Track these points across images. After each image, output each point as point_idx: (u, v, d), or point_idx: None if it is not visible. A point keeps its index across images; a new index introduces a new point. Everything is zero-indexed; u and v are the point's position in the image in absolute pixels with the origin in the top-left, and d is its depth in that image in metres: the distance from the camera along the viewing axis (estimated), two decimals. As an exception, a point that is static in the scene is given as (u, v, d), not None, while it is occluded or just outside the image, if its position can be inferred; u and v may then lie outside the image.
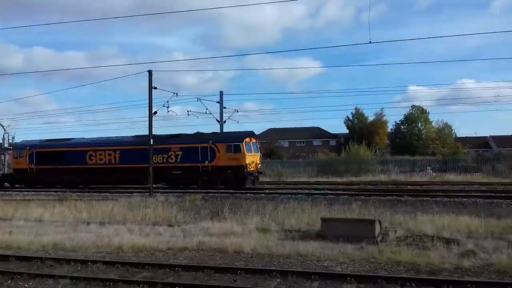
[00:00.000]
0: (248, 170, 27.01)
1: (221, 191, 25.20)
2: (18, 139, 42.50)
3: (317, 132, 79.83)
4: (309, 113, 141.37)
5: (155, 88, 25.53)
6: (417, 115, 66.46)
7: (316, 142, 75.73)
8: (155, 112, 26.08)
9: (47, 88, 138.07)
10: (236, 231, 12.68)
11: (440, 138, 63.42)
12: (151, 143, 25.36)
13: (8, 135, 44.49)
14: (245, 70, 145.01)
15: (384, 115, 66.09)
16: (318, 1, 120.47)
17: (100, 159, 30.70)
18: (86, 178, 30.78)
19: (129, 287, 8.16)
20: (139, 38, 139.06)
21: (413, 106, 67.22)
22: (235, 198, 21.37)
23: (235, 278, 8.53)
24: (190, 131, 41.63)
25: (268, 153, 51.24)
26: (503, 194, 20.80)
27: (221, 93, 36.92)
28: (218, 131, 34.71)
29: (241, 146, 27.03)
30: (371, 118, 67.09)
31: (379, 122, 66.28)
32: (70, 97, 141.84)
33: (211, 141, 27.69)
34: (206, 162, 27.50)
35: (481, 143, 70.33)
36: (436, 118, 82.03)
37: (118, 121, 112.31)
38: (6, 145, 43.54)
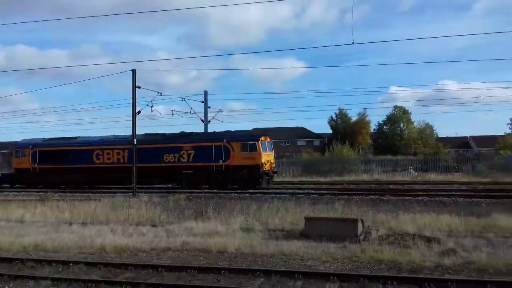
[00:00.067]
0: (264, 169, 26.50)
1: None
2: None
3: (301, 132, 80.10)
4: (293, 113, 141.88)
5: (139, 87, 25.36)
6: (399, 116, 67.21)
7: (300, 142, 75.96)
8: (139, 112, 25.88)
9: (29, 87, 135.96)
10: (220, 231, 12.68)
11: (422, 138, 64.26)
12: (135, 142, 25.23)
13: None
14: (230, 70, 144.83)
15: (367, 115, 66.77)
16: (302, 1, 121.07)
17: (108, 158, 29.90)
18: (92, 177, 29.99)
19: (111, 288, 8.10)
20: (123, 37, 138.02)
21: (395, 107, 68.03)
22: (219, 198, 21.36)
23: (218, 278, 8.53)
24: (174, 130, 41.55)
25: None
26: (482, 193, 21.18)
27: (206, 93, 36.81)
28: (203, 130, 34.60)
29: (257, 145, 26.48)
30: (354, 118, 67.70)
31: (362, 122, 66.87)
32: (54, 96, 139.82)
33: (225, 140, 27.05)
34: (220, 161, 26.87)
35: (462, 143, 71.49)
36: (418, 118, 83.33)
37: (103, 120, 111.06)
38: None
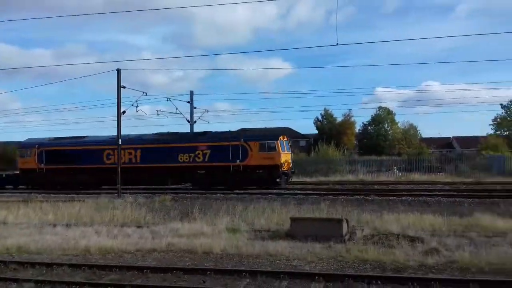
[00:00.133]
0: (282, 169, 25.92)
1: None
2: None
3: (287, 133, 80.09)
4: (279, 114, 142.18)
5: (124, 87, 25.20)
6: (383, 116, 67.73)
7: (286, 143, 76.01)
8: (124, 112, 25.68)
9: (12, 87, 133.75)
10: (206, 231, 12.68)
11: (406, 138, 64.87)
12: (120, 143, 25.06)
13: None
14: (216, 70, 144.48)
15: (352, 116, 67.09)
16: (289, 2, 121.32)
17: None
18: (102, 178, 28.83)
19: (96, 290, 8.05)
20: (108, 36, 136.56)
21: (380, 108, 68.51)
22: (205, 198, 21.31)
23: (204, 279, 8.53)
24: (160, 131, 41.30)
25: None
26: (465, 193, 21.46)
27: (192, 93, 36.68)
28: (188, 130, 34.48)
29: (276, 144, 25.91)
30: (340, 119, 68.01)
31: (348, 123, 67.21)
32: (37, 95, 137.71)
33: (242, 139, 26.34)
34: (237, 161, 26.10)
35: (445, 143, 72.39)
36: (402, 119, 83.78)
37: (87, 120, 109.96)
38: None
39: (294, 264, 9.63)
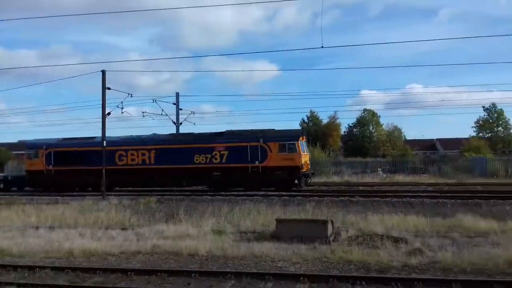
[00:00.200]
0: (303, 171, 25.55)
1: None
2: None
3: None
4: (265, 116, 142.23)
5: (109, 88, 25.07)
6: (368, 118, 68.36)
7: (272, 144, 76.11)
8: (109, 113, 25.59)
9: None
10: (191, 233, 12.64)
11: (390, 140, 65.54)
12: (104, 144, 24.88)
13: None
14: (202, 72, 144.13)
15: (338, 118, 67.62)
16: (275, 4, 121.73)
17: (132, 159, 28.11)
18: (115, 180, 27.95)
19: (79, 293, 7.97)
20: (94, 37, 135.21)
21: (365, 110, 69.17)
22: (191, 200, 21.25)
23: (189, 281, 8.50)
24: (146, 132, 40.98)
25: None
26: (448, 194, 21.76)
27: (177, 95, 36.61)
28: (174, 132, 34.35)
29: (296, 145, 25.40)
30: (325, 121, 68.45)
31: (333, 124, 67.66)
32: (21, 96, 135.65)
33: (261, 140, 25.77)
34: (256, 162, 25.53)
35: (428, 145, 73.26)
36: (386, 121, 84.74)
37: (72, 121, 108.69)
38: None
39: (279, 265, 9.65)
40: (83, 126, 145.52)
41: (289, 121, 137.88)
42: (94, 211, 17.15)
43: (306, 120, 70.28)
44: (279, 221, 12.53)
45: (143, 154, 27.88)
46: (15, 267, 9.58)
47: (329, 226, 11.93)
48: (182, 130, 35.77)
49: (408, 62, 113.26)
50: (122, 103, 28.95)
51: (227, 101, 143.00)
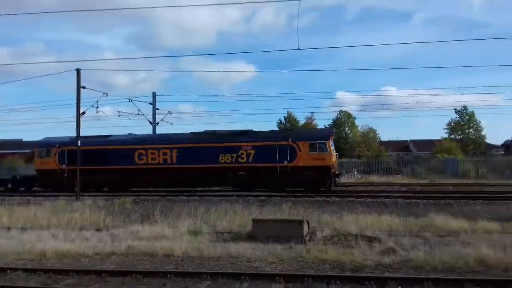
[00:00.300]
0: (333, 171, 24.99)
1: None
2: None
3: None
4: (242, 116, 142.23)
5: (84, 87, 24.65)
6: (344, 120, 69.10)
7: (249, 145, 76.12)
8: (83, 112, 25.13)
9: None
10: (167, 234, 12.57)
11: (365, 141, 66.36)
12: (79, 144, 24.46)
13: None
14: (179, 72, 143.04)
15: (314, 119, 68.10)
16: (253, 5, 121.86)
17: (153, 159, 27.03)
18: (133, 179, 27.26)
19: (52, 295, 7.83)
20: (68, 35, 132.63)
21: (340, 111, 69.88)
22: (167, 201, 21.08)
23: (164, 281, 8.45)
24: (122, 132, 40.51)
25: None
26: (421, 195, 22.19)
27: (154, 94, 36.29)
28: (150, 132, 34.03)
29: (327, 144, 24.72)
30: (302, 122, 68.86)
31: (310, 125, 68.13)
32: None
33: (290, 139, 24.96)
34: (285, 162, 24.76)
35: (402, 146, 74.48)
36: (362, 122, 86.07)
37: (45, 121, 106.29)
38: None
39: (255, 265, 9.69)
40: (57, 126, 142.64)
41: (266, 121, 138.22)
42: (67, 212, 16.88)
43: (283, 121, 70.61)
44: (255, 221, 12.58)
45: (165, 153, 26.92)
46: (-15, 270, 9.34)
47: (305, 226, 12.05)
48: (159, 130, 35.51)
49: (383, 65, 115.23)
50: (97, 102, 28.50)
51: (204, 101, 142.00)
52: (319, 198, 20.73)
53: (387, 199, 20.11)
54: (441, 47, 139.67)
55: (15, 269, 9.28)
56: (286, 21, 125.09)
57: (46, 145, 29.75)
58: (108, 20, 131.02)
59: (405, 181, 33.24)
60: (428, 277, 8.32)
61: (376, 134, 71.81)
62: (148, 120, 35.46)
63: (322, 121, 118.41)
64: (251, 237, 11.99)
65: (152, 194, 24.01)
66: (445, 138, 61.45)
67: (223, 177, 25.82)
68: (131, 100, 33.66)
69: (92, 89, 41.74)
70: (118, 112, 34.21)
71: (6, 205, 19.30)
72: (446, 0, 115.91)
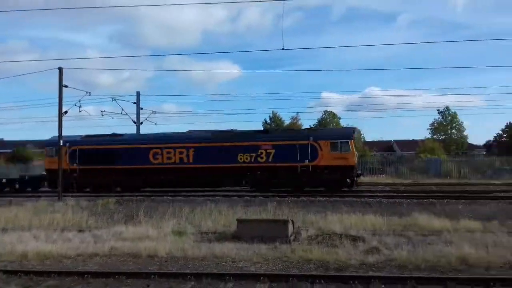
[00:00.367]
0: (356, 170, 24.78)
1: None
2: None
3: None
4: (228, 116, 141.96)
5: (66, 86, 24.33)
6: (329, 120, 69.43)
7: (235, 145, 75.96)
8: (66, 112, 24.77)
9: None
10: (151, 235, 12.47)
11: (350, 141, 66.77)
12: (61, 144, 24.15)
13: None
14: (164, 71, 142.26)
15: (300, 119, 68.30)
16: (238, 5, 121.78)
17: (168, 158, 26.44)
18: (148, 179, 26.74)
19: (33, 297, 7.70)
20: (51, 33, 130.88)
21: (325, 111, 70.19)
22: (151, 201, 20.93)
23: (148, 282, 8.37)
24: (105, 132, 40.09)
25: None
26: (404, 194, 22.42)
27: (138, 94, 35.99)
28: (134, 131, 33.73)
29: (349, 144, 24.46)
30: (287, 122, 68.99)
31: (295, 125, 68.26)
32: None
33: (311, 138, 24.61)
34: (306, 161, 24.39)
35: (386, 146, 75.12)
36: (346, 123, 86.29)
37: (27, 120, 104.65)
38: None
39: (240, 265, 9.67)
40: (39, 125, 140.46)
41: (252, 121, 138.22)
42: (49, 213, 16.63)
43: (268, 121, 70.70)
44: (240, 221, 12.56)
45: (181, 153, 26.36)
46: (-37, 272, 9.15)
47: (290, 226, 12.06)
48: (143, 130, 35.23)
49: (368, 65, 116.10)
50: (79, 101, 28.11)
51: (189, 101, 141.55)
52: (304, 198, 20.81)
53: (371, 199, 20.28)
54: (424, 48, 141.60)
55: (-5, 271, 9.11)
56: (271, 21, 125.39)
57: (55, 144, 28.33)
58: (92, 18, 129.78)
59: (389, 181, 33.56)
60: (411, 275, 8.39)
61: (361, 134, 72.33)
62: (132, 120, 35.21)
63: (307, 121, 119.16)
64: (236, 237, 11.97)
65: (137, 194, 23.81)
66: (428, 139, 62.13)
67: (241, 177, 25.52)
68: (115, 99, 33.37)
69: (74, 88, 41.15)
70: (101, 111, 33.81)
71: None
72: (430, 2, 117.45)
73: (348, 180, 24.68)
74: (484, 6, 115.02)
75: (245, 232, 12.01)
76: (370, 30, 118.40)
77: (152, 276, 8.66)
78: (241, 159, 25.25)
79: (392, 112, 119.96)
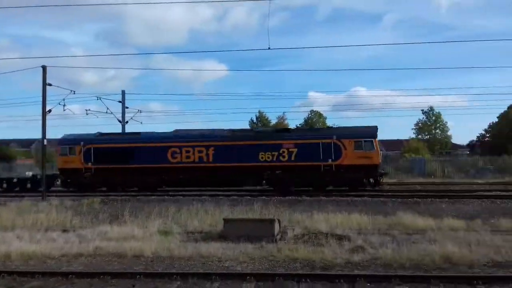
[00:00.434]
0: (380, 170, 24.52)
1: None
2: None
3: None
4: (215, 115, 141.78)
5: (50, 84, 24.07)
6: (315, 120, 69.77)
7: (221, 144, 75.85)
8: (49, 110, 24.49)
9: None
10: (136, 234, 12.38)
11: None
12: (45, 143, 23.87)
13: None
14: (150, 70, 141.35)
15: (286, 119, 68.50)
16: (225, 4, 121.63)
17: (187, 157, 25.88)
18: (166, 178, 26.30)
19: (16, 298, 7.61)
20: (35, 31, 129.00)
21: (312, 111, 70.54)
22: (137, 201, 20.81)
23: (133, 283, 8.32)
24: (90, 131, 39.70)
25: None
26: (389, 194, 22.60)
27: (123, 92, 35.74)
28: (120, 131, 33.46)
29: (374, 143, 24.13)
30: (274, 121, 69.13)
31: (281, 125, 68.45)
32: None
33: (334, 137, 24.32)
34: (329, 160, 24.05)
35: (372, 146, 75.68)
36: (332, 122, 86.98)
37: (8, 119, 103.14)
38: None
39: (226, 265, 9.66)
40: (23, 124, 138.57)
41: (239, 121, 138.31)
42: (33, 213, 16.41)
43: (255, 120, 70.76)
44: (226, 221, 12.55)
45: (200, 151, 25.84)
46: None
47: (276, 225, 12.09)
48: (128, 129, 34.97)
49: (354, 65, 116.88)
50: (64, 100, 27.83)
51: (176, 100, 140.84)
52: (290, 197, 20.88)
53: (356, 198, 20.44)
54: (410, 49, 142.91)
55: (-23, 272, 8.97)
56: (257, 21, 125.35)
57: (68, 143, 28.04)
58: (77, 16, 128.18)
59: (374, 180, 33.73)
60: (396, 274, 8.47)
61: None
62: (117, 119, 34.95)
63: (294, 121, 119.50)
64: (222, 237, 11.95)
65: (121, 194, 23.63)
66: (412, 138, 62.82)
67: (261, 176, 25.30)
68: (99, 98, 33.11)
69: (58, 87, 40.66)
70: (86, 110, 33.56)
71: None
72: (415, 3, 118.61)
73: (371, 179, 24.58)
74: (467, 8, 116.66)
75: (231, 231, 12.01)
76: (356, 30, 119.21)
77: (138, 276, 8.60)
78: (262, 158, 24.94)
79: (378, 112, 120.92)
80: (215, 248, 10.67)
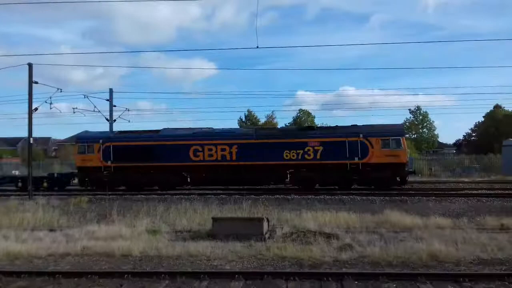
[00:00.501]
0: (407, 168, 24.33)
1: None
2: None
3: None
4: (203, 114, 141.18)
5: (36, 82, 23.84)
6: (304, 119, 70.00)
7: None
8: (36, 109, 24.26)
9: None
10: (124, 234, 12.28)
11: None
12: (31, 142, 23.63)
13: None
14: (138, 68, 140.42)
15: (275, 118, 68.62)
16: (213, 3, 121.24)
17: (210, 155, 25.64)
18: (187, 177, 26.14)
19: (1, 299, 7.51)
20: (21, 29, 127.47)
21: (300, 110, 70.78)
22: (124, 200, 20.70)
23: (121, 282, 8.26)
24: (77, 130, 39.29)
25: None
26: (376, 192, 22.79)
27: (111, 91, 35.46)
28: (108, 129, 33.19)
29: (401, 141, 23.97)
30: (263, 120, 69.19)
31: (270, 124, 68.58)
32: None
33: (361, 135, 24.11)
34: (356, 158, 23.91)
35: (360, 145, 76.18)
36: (321, 121, 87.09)
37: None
38: None
39: (215, 264, 9.64)
40: (9, 122, 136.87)
41: (228, 119, 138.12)
42: (19, 212, 16.21)
43: (243, 119, 70.72)
44: (215, 220, 12.52)
45: (223, 150, 25.57)
46: None
47: (265, 224, 12.10)
48: (116, 127, 34.72)
49: (342, 65, 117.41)
50: (50, 98, 27.60)
51: (164, 98, 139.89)
52: (279, 196, 20.93)
53: (344, 196, 20.57)
54: (397, 48, 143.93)
55: (-39, 272, 8.83)
56: (246, 20, 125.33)
57: (86, 141, 27.59)
58: (64, 14, 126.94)
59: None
60: (383, 272, 8.53)
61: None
62: (105, 117, 34.70)
63: (283, 120, 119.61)
64: (211, 236, 11.92)
65: (109, 193, 23.46)
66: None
67: (286, 174, 25.12)
68: (87, 96, 32.86)
69: (45, 85, 40.21)
70: (73, 108, 33.27)
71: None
72: (402, 3, 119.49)
73: (398, 178, 24.41)
74: (454, 9, 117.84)
75: (220, 230, 11.99)
76: (344, 30, 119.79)
77: (126, 275, 8.54)
78: (286, 156, 24.74)
79: (365, 111, 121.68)
80: (203, 247, 10.64)
